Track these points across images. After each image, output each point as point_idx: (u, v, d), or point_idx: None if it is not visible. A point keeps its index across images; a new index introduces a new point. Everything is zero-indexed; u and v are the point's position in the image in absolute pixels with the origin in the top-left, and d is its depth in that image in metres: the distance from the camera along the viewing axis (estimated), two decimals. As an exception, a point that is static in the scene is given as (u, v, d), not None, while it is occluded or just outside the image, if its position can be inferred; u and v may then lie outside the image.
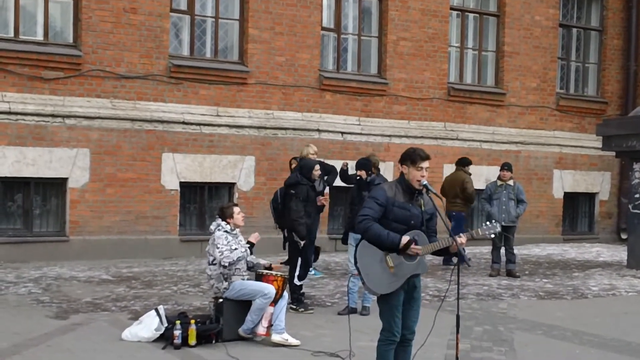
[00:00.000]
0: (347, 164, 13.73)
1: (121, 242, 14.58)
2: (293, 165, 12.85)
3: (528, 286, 12.98)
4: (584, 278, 13.97)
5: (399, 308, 6.47)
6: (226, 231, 8.87)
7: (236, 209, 9.03)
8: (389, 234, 6.32)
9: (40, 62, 13.97)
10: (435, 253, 6.64)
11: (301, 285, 10.70)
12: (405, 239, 6.32)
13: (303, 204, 10.62)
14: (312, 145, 13.19)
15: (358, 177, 11.08)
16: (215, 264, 8.78)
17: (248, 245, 9.02)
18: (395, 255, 6.39)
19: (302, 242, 10.61)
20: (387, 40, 17.25)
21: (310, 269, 14.01)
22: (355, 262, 6.55)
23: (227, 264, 8.65)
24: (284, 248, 11.07)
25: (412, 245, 6.33)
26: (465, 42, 18.67)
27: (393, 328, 6.46)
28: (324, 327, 9.65)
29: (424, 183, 6.44)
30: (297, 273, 10.64)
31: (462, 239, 6.45)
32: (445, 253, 6.66)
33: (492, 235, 6.84)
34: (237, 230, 9.04)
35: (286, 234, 10.96)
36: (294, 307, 10.49)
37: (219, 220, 9.00)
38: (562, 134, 19.58)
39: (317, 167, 11.09)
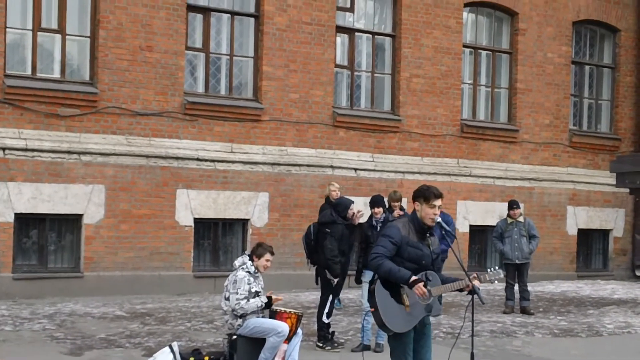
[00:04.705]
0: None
1: (135, 278, 14.60)
2: None
3: (542, 323, 12.92)
4: (599, 315, 13.89)
5: (410, 346, 6.55)
6: (249, 272, 8.84)
7: (268, 255, 8.95)
8: (400, 269, 6.39)
9: (56, 99, 14.11)
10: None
11: (329, 323, 10.60)
12: (415, 277, 6.37)
13: (337, 243, 10.60)
14: (334, 182, 13.28)
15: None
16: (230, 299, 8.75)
17: (265, 301, 8.76)
18: (411, 293, 6.42)
19: (335, 280, 10.59)
20: (400, 77, 17.35)
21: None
22: (371, 298, 6.59)
23: (239, 315, 8.63)
24: (317, 284, 11.01)
25: (420, 285, 6.36)
26: (478, 79, 18.75)
27: (406, 366, 6.48)
28: (337, 364, 9.63)
29: (438, 220, 6.53)
30: (326, 310, 10.55)
31: (477, 280, 6.55)
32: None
33: (496, 282, 7.10)
34: (259, 272, 9.02)
35: (319, 270, 10.84)
36: (320, 345, 10.44)
37: (246, 259, 8.96)
38: (575, 170, 19.56)
39: (353, 206, 11.06)
